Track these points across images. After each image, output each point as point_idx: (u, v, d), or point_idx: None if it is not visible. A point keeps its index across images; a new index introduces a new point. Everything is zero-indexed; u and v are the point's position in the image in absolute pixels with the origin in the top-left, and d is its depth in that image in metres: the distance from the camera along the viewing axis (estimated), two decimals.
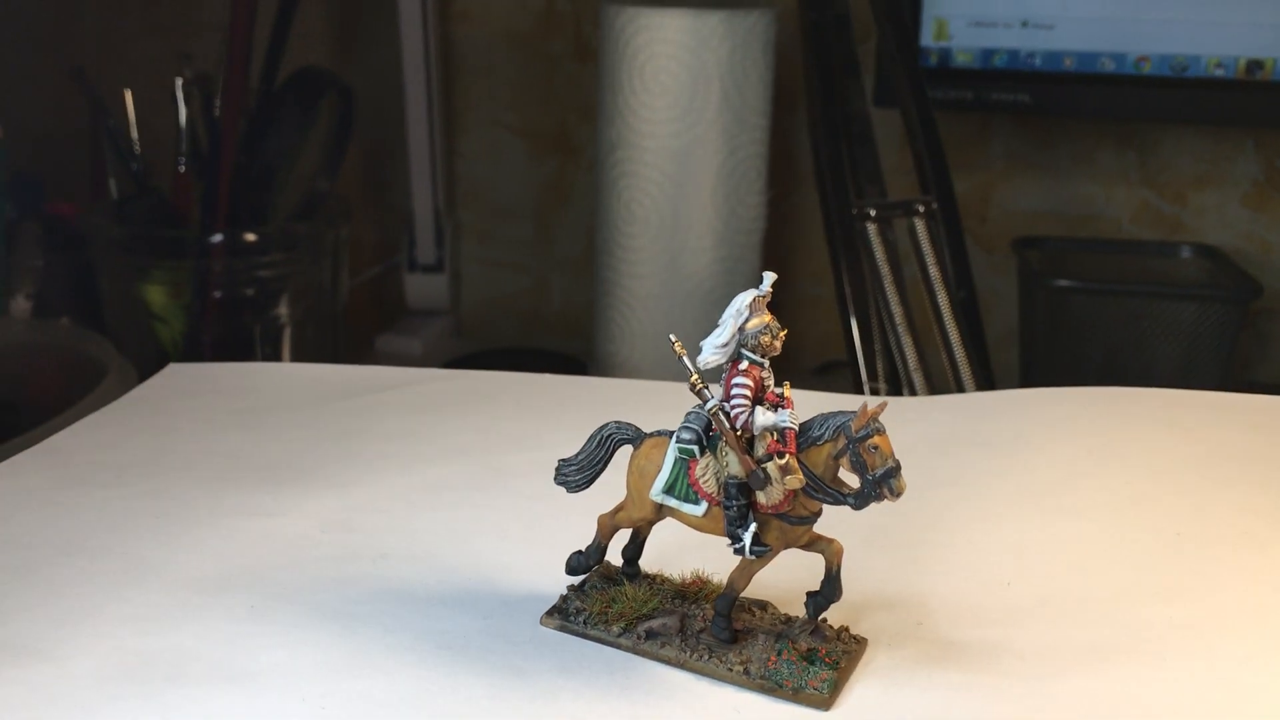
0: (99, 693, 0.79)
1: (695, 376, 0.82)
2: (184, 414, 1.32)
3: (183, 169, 2.01)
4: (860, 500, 0.79)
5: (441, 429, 1.26)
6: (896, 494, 0.78)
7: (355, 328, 2.44)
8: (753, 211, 2.15)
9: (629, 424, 0.88)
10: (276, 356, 2.13)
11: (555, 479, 0.89)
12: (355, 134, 2.18)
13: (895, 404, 1.40)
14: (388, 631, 0.88)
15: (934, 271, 2.06)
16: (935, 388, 1.99)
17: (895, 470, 0.78)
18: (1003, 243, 2.44)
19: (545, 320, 2.72)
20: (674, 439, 0.83)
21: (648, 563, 0.95)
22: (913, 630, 0.91)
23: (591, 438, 0.88)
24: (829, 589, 0.85)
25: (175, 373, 1.48)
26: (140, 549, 0.99)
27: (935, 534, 1.06)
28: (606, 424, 0.88)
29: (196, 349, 2.02)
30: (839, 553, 0.84)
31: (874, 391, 1.97)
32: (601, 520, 0.89)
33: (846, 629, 0.89)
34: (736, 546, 0.81)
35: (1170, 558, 1.01)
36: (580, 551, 0.91)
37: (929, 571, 1.00)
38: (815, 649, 0.85)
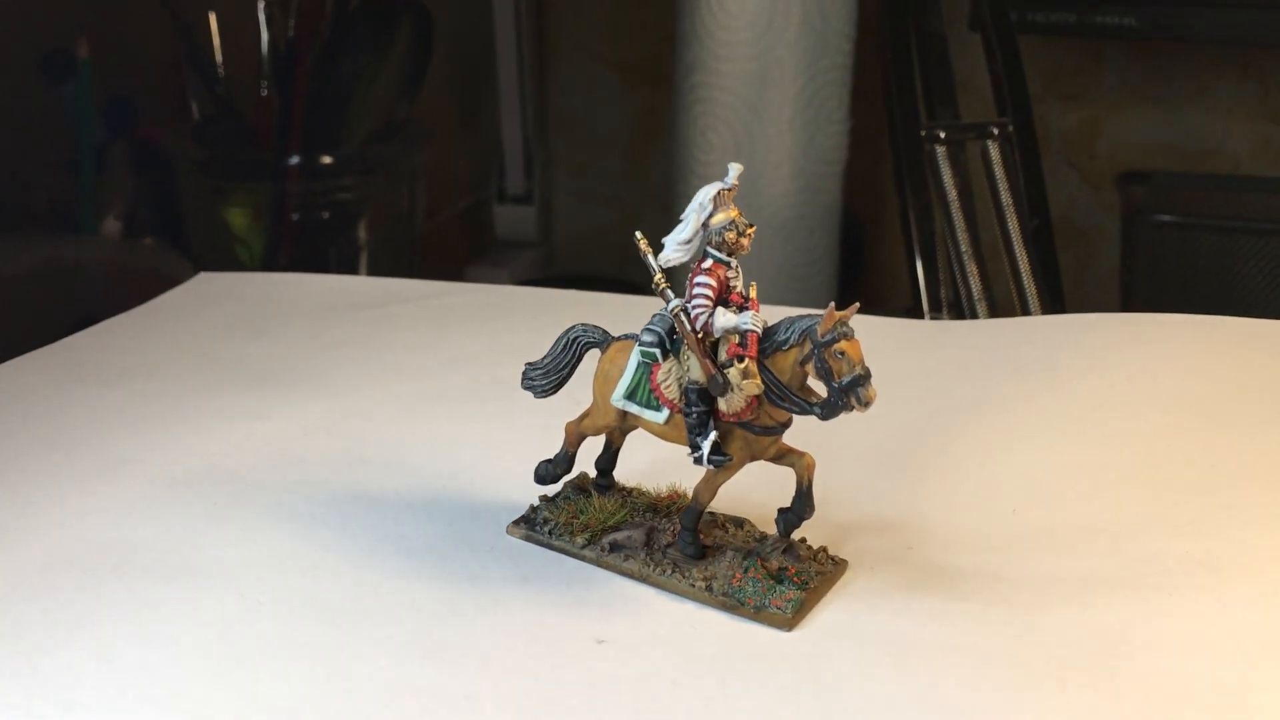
0: (42, 579, 0.78)
1: (659, 276, 0.77)
2: (202, 320, 1.31)
3: (264, 92, 2.00)
4: (827, 410, 0.73)
5: (450, 340, 1.23)
6: (864, 404, 0.72)
7: (445, 257, 2.43)
8: (834, 140, 2.05)
9: (596, 326, 0.83)
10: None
11: (522, 384, 0.86)
12: (445, 61, 2.14)
13: (930, 327, 1.33)
14: (346, 534, 0.85)
15: (1006, 198, 1.96)
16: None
17: (863, 378, 0.72)
18: (1111, 178, 2.31)
19: (633, 253, 2.66)
20: (637, 342, 0.79)
21: (634, 475, 0.91)
22: (901, 554, 0.85)
23: (558, 340, 0.84)
24: (800, 505, 0.80)
25: (205, 281, 1.48)
26: (120, 446, 0.98)
27: (944, 458, 0.99)
28: (573, 326, 0.84)
29: (273, 270, 2.03)
30: (810, 467, 0.79)
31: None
32: (568, 428, 0.85)
33: (825, 549, 0.83)
34: (695, 455, 0.77)
35: (1197, 492, 0.93)
36: (549, 460, 0.87)
37: (930, 495, 0.93)
38: (785, 568, 0.80)
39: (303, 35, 1.99)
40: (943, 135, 1.93)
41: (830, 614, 0.78)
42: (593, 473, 0.89)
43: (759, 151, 2.03)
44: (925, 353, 1.23)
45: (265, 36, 1.98)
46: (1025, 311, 1.90)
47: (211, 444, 0.99)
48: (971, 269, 1.93)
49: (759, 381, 0.73)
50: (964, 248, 1.94)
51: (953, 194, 1.94)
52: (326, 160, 2.03)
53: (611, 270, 2.61)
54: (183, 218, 2.09)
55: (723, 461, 0.76)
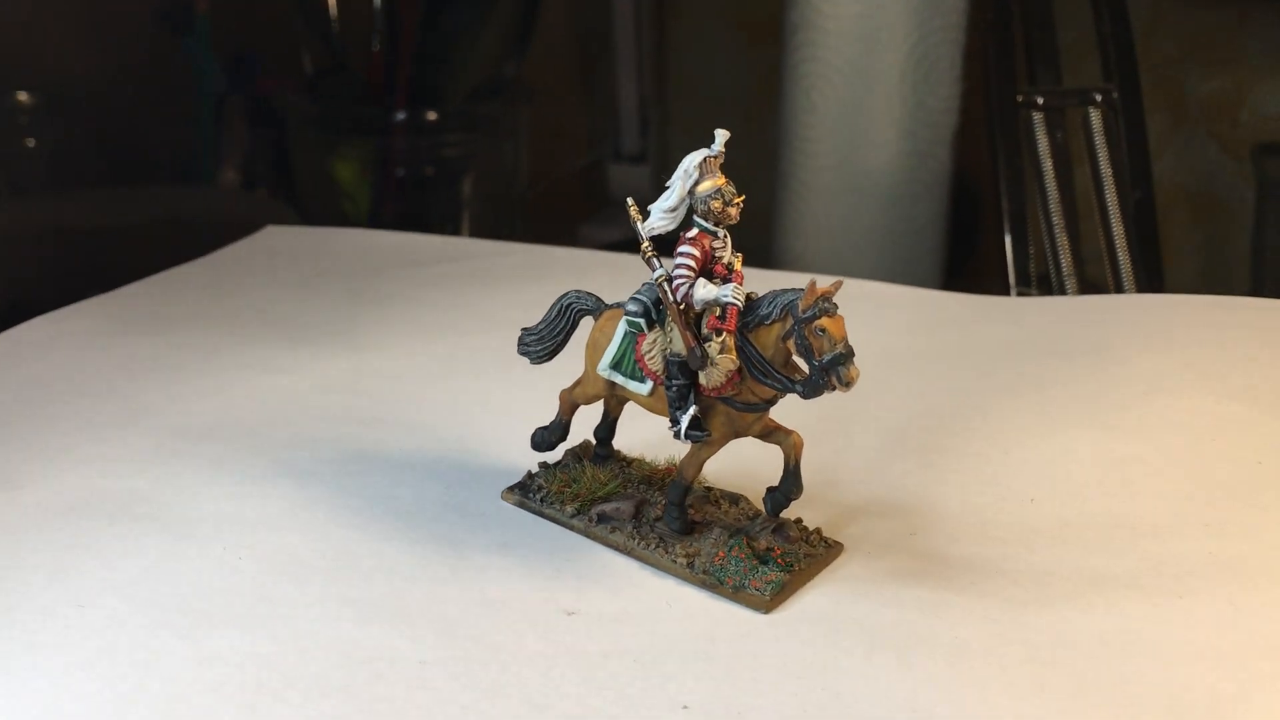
0: (38, 525, 0.80)
1: (646, 244, 0.75)
2: (255, 273, 1.33)
3: (376, 47, 2.02)
4: (808, 388, 0.71)
5: (491, 300, 1.23)
6: (846, 384, 0.69)
7: (558, 216, 2.43)
8: (944, 104, 1.97)
9: (590, 293, 0.82)
10: (456, 234, 2.13)
11: (518, 349, 0.85)
12: (562, 20, 2.13)
13: (985, 303, 1.28)
14: (342, 493, 0.85)
15: (1106, 169, 1.87)
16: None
17: (844, 357, 0.69)
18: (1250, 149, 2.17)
19: (748, 213, 2.62)
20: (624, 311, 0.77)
21: (638, 446, 0.89)
22: (902, 540, 0.82)
23: (552, 306, 0.83)
24: (787, 484, 0.77)
25: (270, 234, 1.50)
26: (144, 396, 1.00)
27: (968, 441, 0.95)
28: (567, 293, 0.82)
29: (379, 227, 2.06)
30: (798, 446, 0.76)
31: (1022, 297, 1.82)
32: (562, 395, 0.84)
33: (819, 531, 0.81)
34: (674, 429, 0.75)
35: (1235, 490, 0.88)
36: (544, 427, 0.86)
37: (946, 480, 0.90)
38: (772, 549, 0.78)
39: None
40: (1040, 101, 1.85)
41: (812, 598, 0.76)
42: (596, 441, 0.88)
43: (864, 115, 1.96)
44: (976, 329, 1.18)
45: None
46: (1119, 289, 1.82)
47: (231, 397, 1.00)
48: (1063, 243, 1.85)
49: (734, 357, 0.71)
50: (1056, 220, 1.86)
51: (1048, 163, 1.86)
52: (432, 116, 2.04)
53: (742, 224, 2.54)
54: (293, 171, 2.13)
55: (701, 437, 0.74)
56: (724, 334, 0.71)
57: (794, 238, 2.11)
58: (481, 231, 2.09)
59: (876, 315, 1.22)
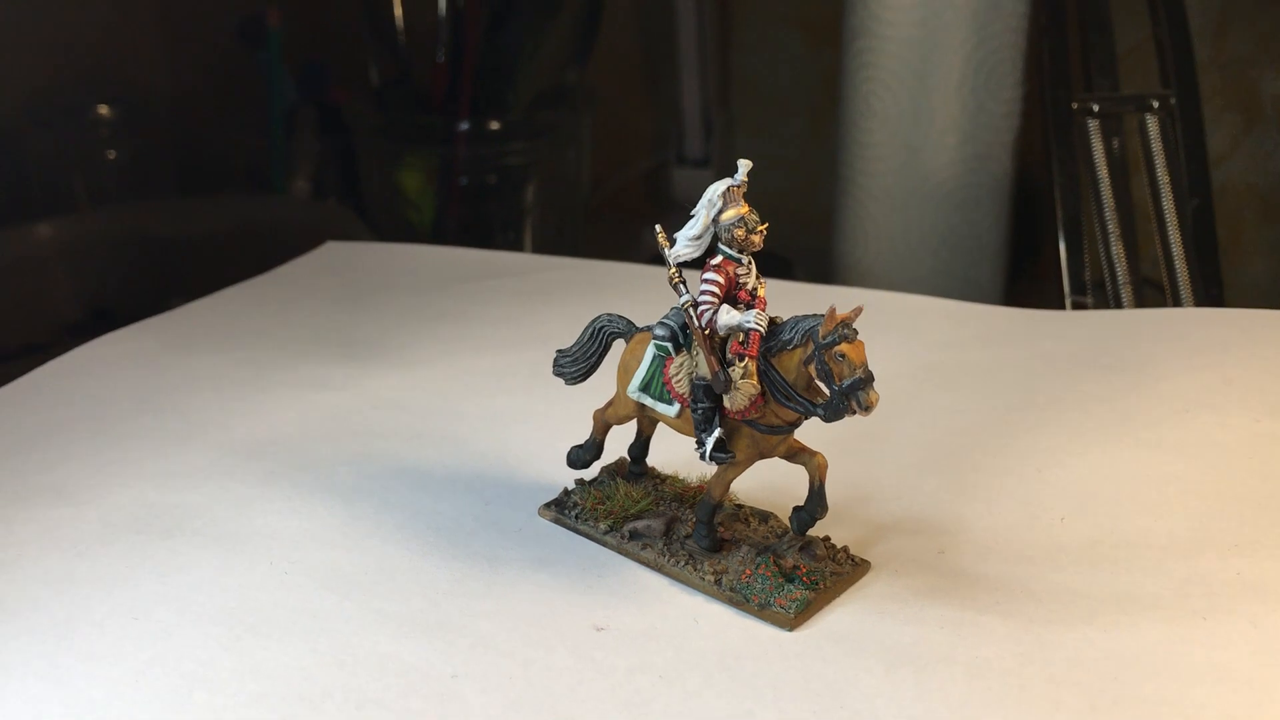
0: (99, 538, 0.84)
1: (673, 270, 0.77)
2: (313, 290, 1.38)
3: (440, 59, 2.06)
4: (830, 412, 0.72)
5: (539, 316, 1.26)
6: (866, 408, 0.71)
7: (621, 221, 2.46)
8: (1005, 107, 1.97)
9: (621, 317, 0.84)
10: (519, 244, 2.18)
11: (553, 370, 0.87)
12: (625, 25, 2.15)
13: (1028, 317, 1.28)
14: (385, 509, 0.89)
15: (1163, 176, 1.85)
16: (1147, 306, 1.81)
17: (864, 382, 0.70)
18: None
19: (811, 218, 2.62)
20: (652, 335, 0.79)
21: (673, 464, 0.92)
22: (930, 559, 0.83)
23: (586, 328, 0.85)
24: (812, 504, 0.79)
25: (330, 250, 1.55)
26: (203, 412, 1.04)
27: (1001, 459, 0.96)
28: (599, 315, 0.85)
29: (442, 236, 2.10)
30: (822, 467, 0.78)
31: (1077, 306, 1.81)
32: (595, 415, 0.87)
33: (846, 549, 0.82)
34: (700, 451, 0.77)
35: (1269, 509, 0.88)
36: (579, 446, 0.88)
37: (977, 498, 0.91)
38: (798, 567, 0.79)
39: (473, 0, 2.04)
40: (1096, 108, 1.84)
41: (837, 616, 0.77)
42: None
43: (924, 119, 1.97)
44: (1022, 344, 1.19)
45: (444, 3, 2.03)
46: (1175, 297, 1.80)
47: (283, 414, 1.04)
48: (1119, 251, 1.84)
49: (755, 382, 0.73)
50: (1112, 229, 1.85)
51: (1104, 171, 1.85)
52: (494, 126, 2.08)
53: (788, 235, 2.55)
54: (360, 180, 2.18)
55: (725, 459, 0.76)
56: (746, 359, 0.73)
57: (854, 243, 2.11)
58: (544, 238, 2.12)
59: (921, 330, 1.23)
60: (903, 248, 1.89)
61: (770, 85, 2.58)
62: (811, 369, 0.72)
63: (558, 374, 0.87)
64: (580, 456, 0.88)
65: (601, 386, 0.88)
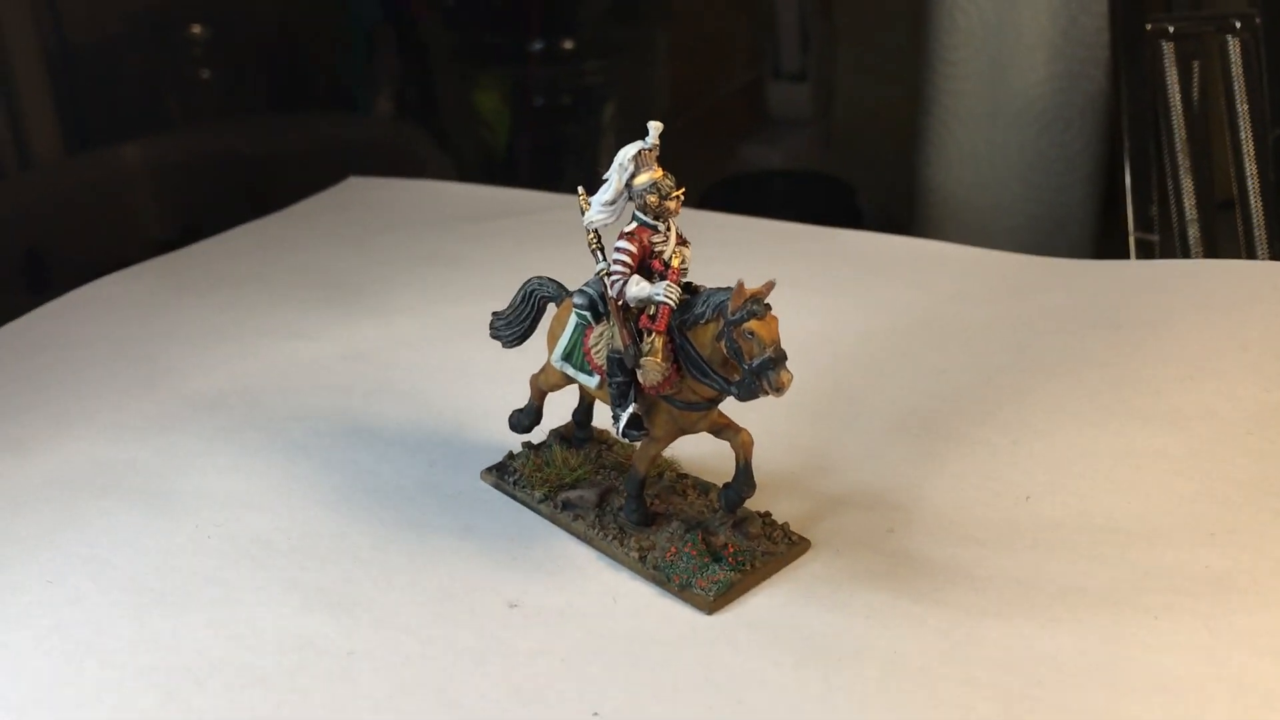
0: (36, 495, 0.84)
1: (591, 235, 0.73)
2: (320, 230, 1.36)
3: None
4: (743, 391, 0.68)
5: (540, 261, 1.21)
6: (777, 389, 0.66)
7: (717, 136, 2.40)
8: (1097, 22, 1.86)
9: (552, 280, 0.80)
10: (594, 165, 2.13)
11: (490, 332, 0.84)
12: None
13: (1038, 264, 1.20)
14: (326, 470, 0.87)
15: (1243, 106, 1.73)
16: (1216, 245, 1.70)
17: (774, 362, 0.66)
18: None
19: (911, 132, 2.51)
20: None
21: None
22: (876, 538, 0.79)
23: (518, 291, 0.82)
24: (739, 483, 0.75)
25: (350, 186, 1.53)
26: (172, 361, 1.04)
27: (977, 428, 0.91)
28: (531, 279, 0.81)
29: (515, 157, 2.08)
30: (747, 444, 0.74)
31: (1141, 244, 1.71)
32: (531, 380, 0.83)
33: (786, 526, 0.78)
34: (615, 427, 0.73)
35: (1255, 493, 0.81)
36: (520, 409, 0.85)
37: (941, 472, 0.86)
38: (728, 544, 0.76)
39: None
40: (1172, 29, 1.71)
41: (761, 599, 0.74)
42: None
43: (1010, 34, 1.85)
44: (1030, 297, 1.12)
45: None
46: (1249, 237, 1.69)
47: (250, 364, 1.03)
48: (1187, 186, 1.73)
49: (658, 361, 0.69)
50: (1183, 161, 1.73)
51: (1177, 98, 1.73)
52: (568, 45, 2.03)
53: (891, 149, 2.45)
54: (437, 101, 2.17)
55: (638, 436, 0.73)
56: (654, 334, 0.69)
57: (936, 167, 2.02)
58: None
59: (924, 279, 1.16)
60: (988, 170, 1.81)
61: None
62: (723, 345, 0.68)
63: (494, 337, 0.84)
64: (520, 421, 0.85)
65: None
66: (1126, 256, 1.52)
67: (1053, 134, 1.80)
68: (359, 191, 1.50)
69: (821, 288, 1.13)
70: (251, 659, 0.69)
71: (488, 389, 0.98)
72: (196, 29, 1.60)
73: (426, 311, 1.12)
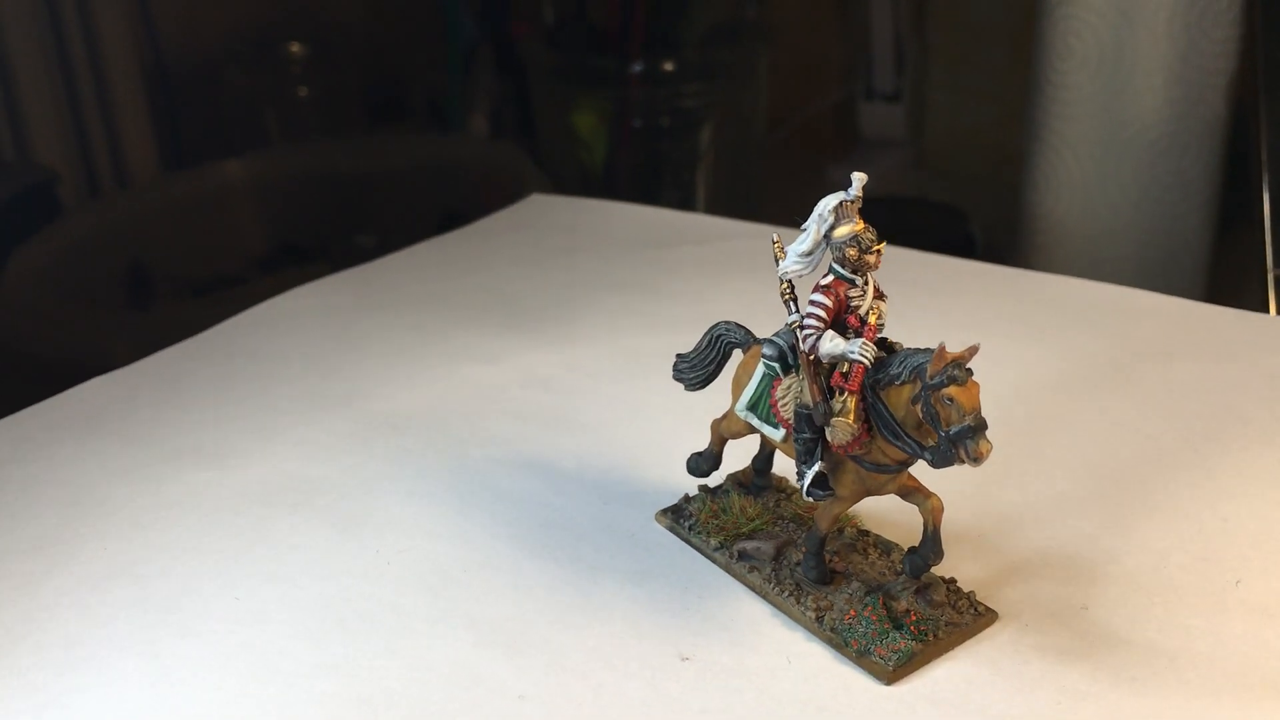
0: (229, 507, 0.87)
1: (784, 285, 0.71)
2: (503, 249, 1.38)
3: None
4: (938, 458, 0.65)
5: (726, 294, 1.21)
6: (975, 459, 0.63)
7: (809, 156, 2.38)
8: (1218, 46, 1.75)
9: (740, 326, 0.79)
10: (692, 186, 2.14)
11: (673, 374, 0.83)
12: None
13: (1237, 317, 1.12)
14: (503, 500, 0.88)
15: None
16: None
17: (973, 430, 0.63)
18: None
19: (1009, 154, 2.44)
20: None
21: None
22: (1069, 613, 0.75)
23: (705, 334, 0.81)
24: (926, 549, 0.72)
25: (533, 204, 1.55)
26: (360, 380, 1.06)
27: (1178, 498, 0.85)
28: (718, 323, 0.80)
29: (613, 178, 2.09)
30: (937, 510, 0.71)
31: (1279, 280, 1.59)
32: (712, 426, 0.82)
33: (972, 595, 0.75)
34: (799, 485, 0.71)
35: None
36: (699, 453, 0.84)
37: (1148, 547, 0.80)
38: (910, 612, 0.73)
39: None
40: None
41: (943, 672, 0.70)
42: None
43: (1127, 59, 1.77)
44: (1232, 350, 1.05)
45: None
46: None
47: (432, 385, 1.05)
48: None
49: (850, 421, 0.66)
50: None
51: None
52: (668, 66, 2.04)
53: (986, 171, 2.39)
54: (534, 121, 2.19)
55: (822, 496, 0.70)
56: (846, 394, 0.67)
57: (1045, 193, 1.95)
58: (718, 182, 2.07)
59: (1108, 324, 1.11)
60: (1100, 198, 1.73)
61: (966, 14, 2.37)
62: (919, 409, 0.65)
63: (677, 379, 0.83)
64: (698, 465, 0.84)
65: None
66: (1248, 289, 1.42)
67: (1169, 161, 1.72)
68: (540, 209, 1.52)
69: (996, 328, 1.08)
70: (425, 693, 0.69)
71: (666, 427, 0.97)
72: (296, 47, 1.63)
73: (608, 341, 1.12)
